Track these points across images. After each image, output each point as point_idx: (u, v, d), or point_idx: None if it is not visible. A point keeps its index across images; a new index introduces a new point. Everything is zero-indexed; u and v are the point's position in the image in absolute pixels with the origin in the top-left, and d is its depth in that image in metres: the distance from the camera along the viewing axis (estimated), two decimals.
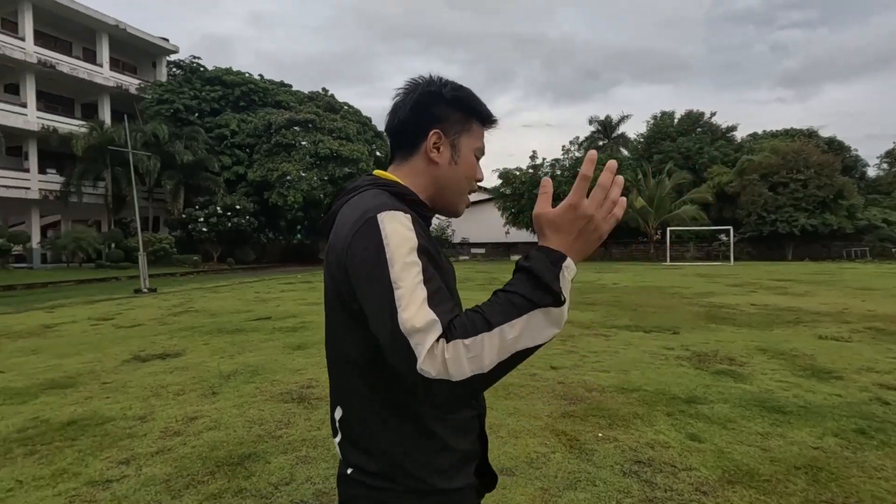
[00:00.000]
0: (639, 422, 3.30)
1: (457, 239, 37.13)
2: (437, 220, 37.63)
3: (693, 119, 34.64)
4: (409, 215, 0.75)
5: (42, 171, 23.15)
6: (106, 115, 25.58)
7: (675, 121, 35.15)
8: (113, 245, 22.22)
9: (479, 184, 0.94)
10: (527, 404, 3.67)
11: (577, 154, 31.08)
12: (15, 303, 11.48)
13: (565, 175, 28.29)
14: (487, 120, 0.92)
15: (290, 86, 31.99)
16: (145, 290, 13.28)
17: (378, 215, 0.73)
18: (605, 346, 5.56)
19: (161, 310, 9.42)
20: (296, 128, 26.78)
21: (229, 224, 25.01)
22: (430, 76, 0.89)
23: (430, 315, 0.65)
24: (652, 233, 29.08)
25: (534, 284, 0.68)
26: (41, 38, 23.45)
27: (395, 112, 0.89)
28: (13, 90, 23.51)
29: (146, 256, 15.05)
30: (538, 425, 3.26)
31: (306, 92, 31.25)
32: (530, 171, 29.57)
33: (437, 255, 0.77)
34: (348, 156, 26.26)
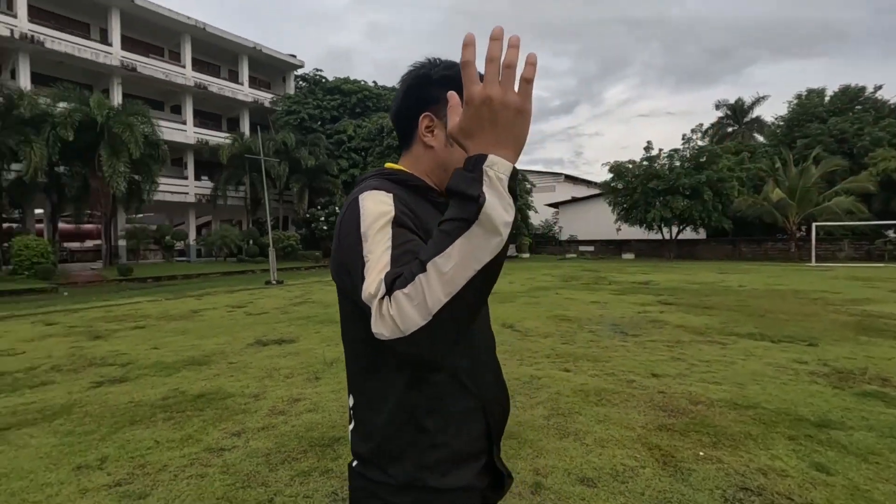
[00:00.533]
0: (751, 443, 2.90)
1: (564, 236, 35.98)
2: (543, 219, 36.52)
3: (850, 95, 29.55)
4: (390, 194, 0.75)
5: (197, 178, 27.07)
6: (245, 127, 29.09)
7: (826, 99, 30.28)
8: (251, 241, 25.22)
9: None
10: (619, 412, 3.42)
11: (699, 143, 28.25)
12: (175, 290, 13.58)
13: (685, 167, 25.86)
14: None
15: None
16: (274, 282, 14.89)
17: (358, 196, 0.75)
18: (719, 356, 4.99)
19: (284, 300, 10.47)
20: None
21: None
22: (427, 59, 0.87)
23: (381, 277, 0.64)
24: (793, 229, 25.43)
25: (458, 202, 0.61)
26: (197, 64, 27.35)
27: (394, 102, 0.89)
28: (176, 110, 27.75)
29: (275, 252, 16.85)
30: (629, 436, 3.02)
31: None
32: (644, 163, 27.51)
33: (420, 229, 0.74)
34: None
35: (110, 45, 23.20)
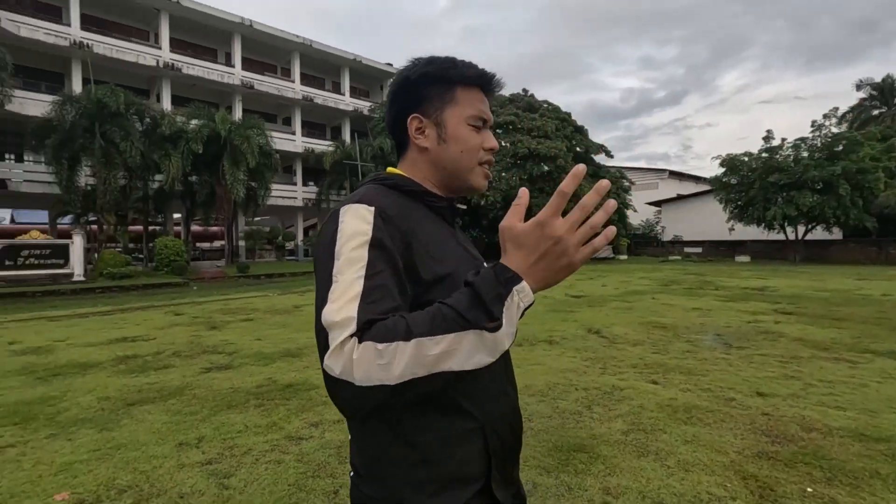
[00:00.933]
0: (878, 483, 2.44)
1: (667, 237, 33.47)
2: (644, 218, 34.36)
3: None
4: (372, 208, 0.72)
5: (304, 183, 29.38)
6: (346, 135, 30.96)
7: None
8: None
9: (491, 152, 0.84)
10: (711, 433, 3.07)
11: (833, 129, 24.64)
12: (282, 287, 14.85)
13: (815, 157, 22.67)
14: (471, 82, 0.82)
15: None
16: None
17: (341, 209, 0.73)
18: (846, 376, 4.28)
19: None
20: (498, 130, 27.94)
21: None
22: (410, 61, 0.84)
23: (351, 311, 0.62)
24: None
25: (473, 302, 0.61)
26: (304, 79, 29.70)
27: (384, 113, 0.88)
28: (287, 122, 30.37)
29: None
30: (720, 461, 2.70)
31: (507, 95, 32.23)
32: (763, 154, 24.58)
33: (398, 251, 0.71)
34: (546, 153, 26.18)
35: (233, 66, 26.03)
